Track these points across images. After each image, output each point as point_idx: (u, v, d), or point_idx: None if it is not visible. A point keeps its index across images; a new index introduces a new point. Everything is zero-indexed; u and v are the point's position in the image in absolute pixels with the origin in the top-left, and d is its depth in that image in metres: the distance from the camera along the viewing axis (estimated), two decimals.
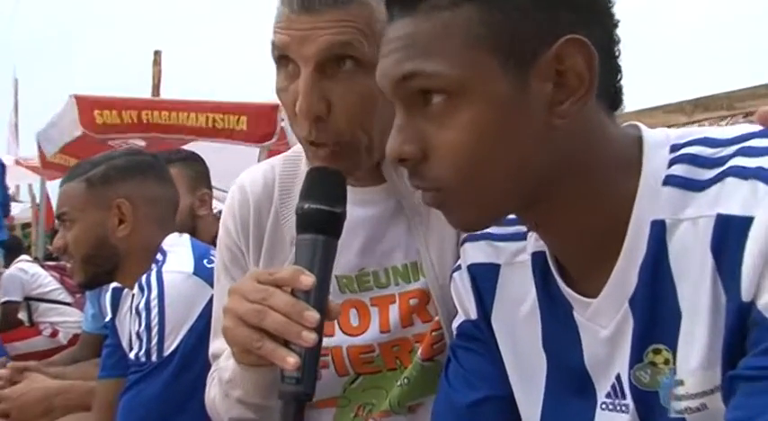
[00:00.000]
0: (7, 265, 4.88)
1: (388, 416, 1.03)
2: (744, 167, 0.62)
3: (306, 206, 0.84)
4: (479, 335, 0.86)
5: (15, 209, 11.25)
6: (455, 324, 0.91)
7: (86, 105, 3.90)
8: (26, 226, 11.48)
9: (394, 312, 1.03)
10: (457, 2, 0.65)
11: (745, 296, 0.59)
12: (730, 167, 0.63)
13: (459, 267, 0.89)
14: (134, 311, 1.35)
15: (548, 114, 0.66)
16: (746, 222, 0.59)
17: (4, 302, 4.50)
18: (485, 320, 0.85)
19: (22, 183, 9.38)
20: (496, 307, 0.85)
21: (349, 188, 0.88)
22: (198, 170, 2.22)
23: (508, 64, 0.65)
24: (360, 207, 0.97)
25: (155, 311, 1.32)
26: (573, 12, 0.66)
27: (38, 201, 9.03)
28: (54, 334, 4.39)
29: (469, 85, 0.65)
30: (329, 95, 0.90)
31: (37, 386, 1.69)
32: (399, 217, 1.01)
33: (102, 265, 1.48)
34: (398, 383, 1.03)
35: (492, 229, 0.85)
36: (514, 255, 0.83)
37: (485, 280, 0.85)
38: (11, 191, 10.46)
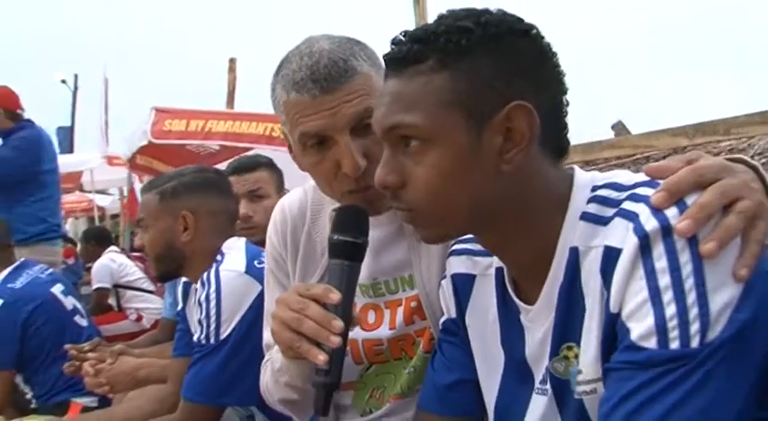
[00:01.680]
0: (99, 255, 5.32)
1: (402, 399, 1.22)
2: (627, 210, 0.78)
3: (335, 237, 1.04)
4: (457, 331, 1.04)
5: (105, 201, 11.97)
6: (441, 321, 1.09)
7: (162, 116, 4.31)
8: (115, 216, 12.22)
9: (400, 313, 1.21)
10: (434, 69, 0.83)
11: (613, 308, 0.77)
12: (620, 209, 0.80)
13: (445, 276, 1.07)
14: (197, 302, 1.59)
15: (497, 160, 0.83)
16: (618, 253, 0.77)
17: (97, 289, 4.92)
18: (461, 319, 1.03)
19: (111, 178, 9.91)
20: (470, 309, 1.02)
21: None
22: (280, 174, 2.41)
23: (469, 121, 0.82)
24: (371, 229, 1.13)
25: (213, 303, 1.54)
26: (525, 80, 0.83)
27: (125, 194, 9.59)
28: (139, 318, 4.77)
29: (438, 135, 0.83)
30: (367, 151, 1.07)
31: (125, 362, 1.99)
32: (401, 237, 1.19)
33: (170, 264, 1.75)
34: (407, 371, 1.22)
35: (471, 245, 1.02)
36: (486, 268, 1.00)
37: (463, 287, 1.03)
38: (102, 186, 11.08)
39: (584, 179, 0.89)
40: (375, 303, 1.24)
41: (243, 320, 1.55)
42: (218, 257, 1.66)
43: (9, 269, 2.62)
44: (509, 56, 0.83)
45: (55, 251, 3.72)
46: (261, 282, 1.54)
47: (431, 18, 0.97)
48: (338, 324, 0.97)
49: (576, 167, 0.92)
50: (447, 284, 1.06)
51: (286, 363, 1.13)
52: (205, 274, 1.61)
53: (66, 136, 16.04)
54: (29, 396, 2.55)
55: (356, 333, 1.21)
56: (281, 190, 2.38)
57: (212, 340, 1.55)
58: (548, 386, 0.89)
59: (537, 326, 0.90)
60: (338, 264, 1.03)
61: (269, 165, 2.40)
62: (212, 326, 1.55)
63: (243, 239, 1.76)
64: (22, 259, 2.76)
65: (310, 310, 0.99)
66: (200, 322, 1.57)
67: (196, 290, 1.64)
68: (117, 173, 8.82)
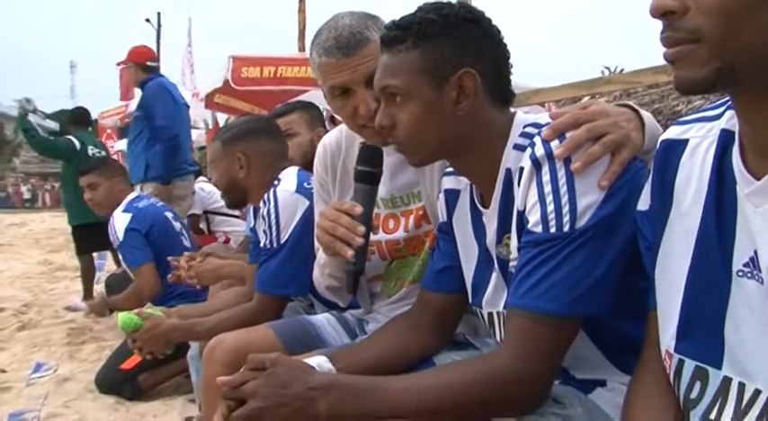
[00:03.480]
0: None
1: (414, 284, 1.59)
2: (533, 142, 1.11)
3: (359, 167, 1.41)
4: (447, 230, 1.38)
5: (193, 134, 12.64)
6: (438, 223, 1.43)
7: (239, 64, 4.83)
8: (202, 148, 12.87)
9: (411, 219, 1.58)
10: (410, 48, 1.17)
11: (520, 207, 1.11)
12: (531, 142, 1.12)
13: (441, 191, 1.40)
14: (261, 216, 2.00)
15: (453, 108, 1.17)
16: (523, 169, 1.10)
17: (189, 215, 5.32)
18: (450, 222, 1.37)
19: (197, 112, 10.44)
20: (455, 214, 1.35)
21: None
22: (313, 114, 2.80)
23: (433, 82, 1.16)
24: (386, 156, 1.45)
25: (273, 215, 1.94)
26: (472, 55, 1.16)
27: (210, 126, 10.14)
28: (227, 241, 5.12)
29: (412, 93, 1.17)
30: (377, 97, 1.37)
31: (210, 261, 2.50)
32: None
33: (235, 195, 2.18)
34: (418, 264, 1.59)
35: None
36: (466, 185, 1.32)
37: (451, 198, 1.36)
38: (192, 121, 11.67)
39: (520, 119, 1.21)
40: (393, 213, 1.60)
41: (296, 228, 1.93)
42: (276, 182, 2.06)
43: (130, 197, 3.52)
44: (461, 38, 1.16)
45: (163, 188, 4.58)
46: (308, 198, 1.93)
47: None
48: (361, 229, 1.35)
49: (519, 111, 1.24)
50: (441, 197, 1.40)
51: (327, 259, 1.52)
52: (266, 195, 2.01)
53: None
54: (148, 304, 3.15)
55: (380, 236, 1.58)
56: (313, 127, 2.75)
57: (274, 244, 1.95)
58: (495, 265, 1.23)
59: (491, 223, 1.23)
60: (361, 187, 1.40)
61: (303, 108, 2.80)
62: (273, 234, 1.94)
63: (296, 167, 2.15)
64: (138, 193, 3.70)
65: (342, 220, 1.36)
66: (264, 232, 1.98)
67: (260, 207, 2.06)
68: (202, 108, 9.36)
